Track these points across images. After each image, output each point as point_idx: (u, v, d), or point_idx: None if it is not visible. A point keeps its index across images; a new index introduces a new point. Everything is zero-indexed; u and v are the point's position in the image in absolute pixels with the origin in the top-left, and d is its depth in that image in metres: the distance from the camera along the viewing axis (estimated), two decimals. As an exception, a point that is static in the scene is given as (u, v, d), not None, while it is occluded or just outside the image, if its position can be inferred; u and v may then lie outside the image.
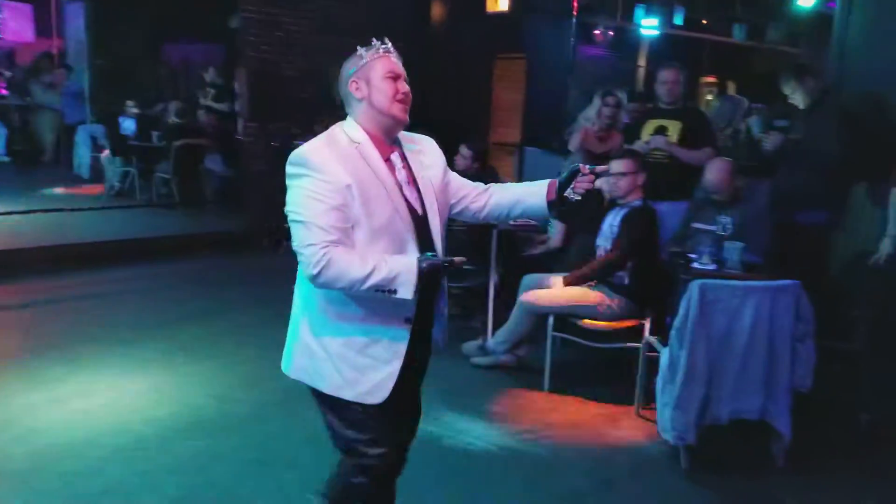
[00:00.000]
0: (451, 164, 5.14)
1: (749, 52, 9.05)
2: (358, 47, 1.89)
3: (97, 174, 8.76)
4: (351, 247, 1.78)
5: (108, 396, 3.40)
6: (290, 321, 1.98)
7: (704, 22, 8.44)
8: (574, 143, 4.99)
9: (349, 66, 1.89)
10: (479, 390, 3.65)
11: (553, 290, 3.71)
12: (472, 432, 3.19)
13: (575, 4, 7.26)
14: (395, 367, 1.88)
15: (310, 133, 6.54)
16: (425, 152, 2.00)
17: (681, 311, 2.95)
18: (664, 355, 3.05)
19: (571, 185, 1.96)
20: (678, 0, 7.89)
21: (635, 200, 3.61)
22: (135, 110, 8.41)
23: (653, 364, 3.23)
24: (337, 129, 1.89)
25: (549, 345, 3.63)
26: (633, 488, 2.88)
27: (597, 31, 8.84)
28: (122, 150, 8.11)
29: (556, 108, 7.34)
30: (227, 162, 7.57)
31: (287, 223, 1.80)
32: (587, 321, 3.63)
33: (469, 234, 4.28)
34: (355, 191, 1.77)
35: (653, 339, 3.37)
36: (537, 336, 3.73)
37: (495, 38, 7.76)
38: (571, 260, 4.07)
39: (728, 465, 3.03)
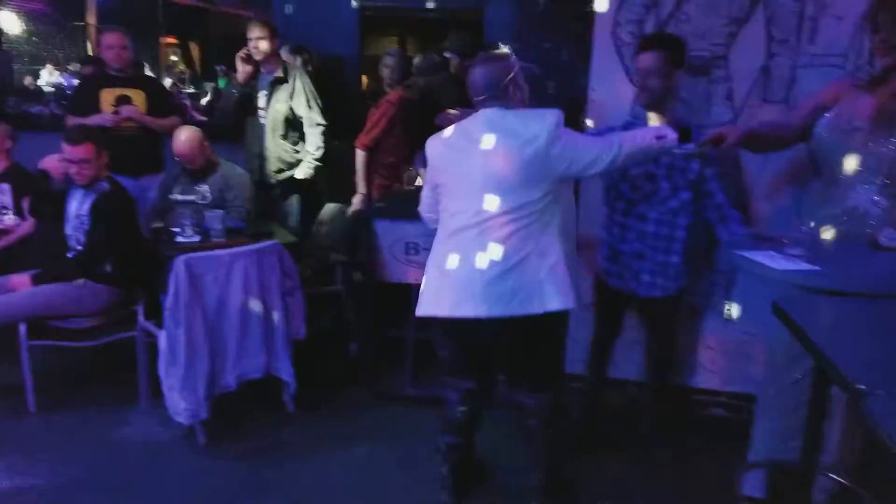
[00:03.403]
0: None
1: (207, 15, 9.08)
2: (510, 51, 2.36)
3: None
4: None
5: None
6: (528, 281, 2.17)
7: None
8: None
9: (511, 66, 2.28)
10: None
11: (19, 293, 3.15)
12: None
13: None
14: None
15: None
16: None
17: (170, 290, 2.83)
18: (162, 338, 2.91)
19: None
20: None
21: (101, 183, 3.27)
22: None
23: (154, 350, 3.06)
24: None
25: (25, 357, 3.09)
26: (152, 481, 2.71)
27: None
28: None
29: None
30: None
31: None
32: (73, 320, 3.22)
33: None
34: None
35: (148, 325, 3.18)
36: (9, 350, 3.14)
37: None
38: (39, 254, 3.52)
39: (245, 426, 3.10)
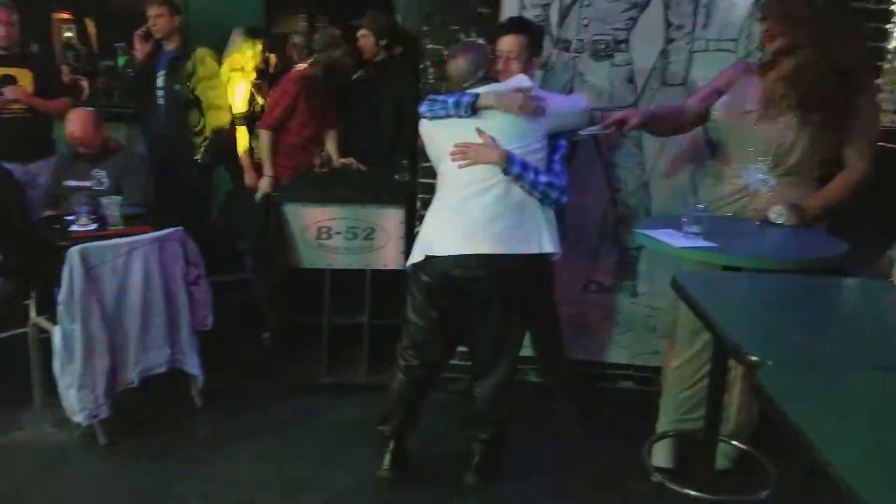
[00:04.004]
0: None
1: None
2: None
3: None
4: None
5: None
6: (527, 221, 2.33)
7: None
8: None
9: (489, 52, 2.51)
10: None
11: None
12: None
13: None
14: None
15: None
16: None
17: (64, 282, 2.67)
18: (56, 335, 2.74)
19: None
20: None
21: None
22: None
23: (49, 346, 2.88)
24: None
25: None
26: (49, 487, 2.56)
27: None
28: None
29: None
30: None
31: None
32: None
33: None
34: None
35: (40, 320, 2.99)
36: None
37: None
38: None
39: (150, 423, 2.97)
